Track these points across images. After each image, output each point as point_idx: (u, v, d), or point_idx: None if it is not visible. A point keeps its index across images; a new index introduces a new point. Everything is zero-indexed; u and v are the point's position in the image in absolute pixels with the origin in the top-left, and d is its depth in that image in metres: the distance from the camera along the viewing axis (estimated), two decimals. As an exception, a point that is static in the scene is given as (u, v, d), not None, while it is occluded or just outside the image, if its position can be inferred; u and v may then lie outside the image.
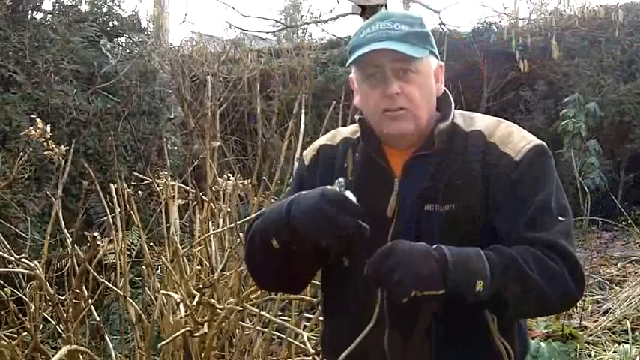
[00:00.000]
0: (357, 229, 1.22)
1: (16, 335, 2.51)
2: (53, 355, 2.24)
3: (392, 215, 1.35)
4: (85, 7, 5.49)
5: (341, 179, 1.27)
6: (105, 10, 5.57)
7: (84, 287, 2.52)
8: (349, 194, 1.24)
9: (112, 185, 2.75)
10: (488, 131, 1.39)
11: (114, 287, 2.57)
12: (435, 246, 1.23)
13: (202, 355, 2.46)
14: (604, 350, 3.60)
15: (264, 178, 2.94)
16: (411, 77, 1.34)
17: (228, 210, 2.85)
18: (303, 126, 3.03)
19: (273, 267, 1.38)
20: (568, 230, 1.34)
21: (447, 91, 1.45)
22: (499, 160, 1.34)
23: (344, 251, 1.35)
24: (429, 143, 1.37)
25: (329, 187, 1.27)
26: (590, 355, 3.54)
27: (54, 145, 2.74)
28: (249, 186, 3.02)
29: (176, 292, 2.50)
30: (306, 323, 2.63)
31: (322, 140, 1.54)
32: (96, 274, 2.56)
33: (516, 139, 1.37)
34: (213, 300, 2.38)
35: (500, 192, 1.33)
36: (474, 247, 1.26)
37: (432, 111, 1.39)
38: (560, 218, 1.33)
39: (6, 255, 2.46)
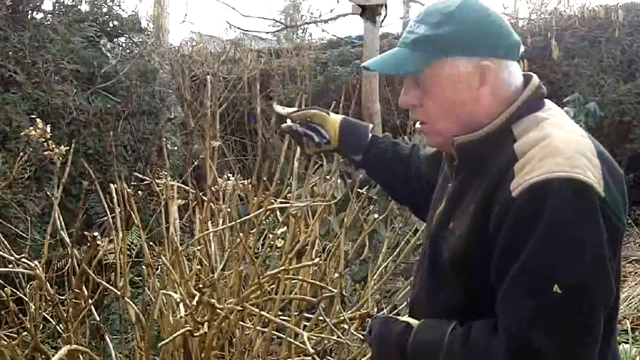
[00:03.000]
0: None
1: (16, 335, 2.51)
2: (53, 355, 2.24)
3: (434, 226, 1.32)
4: (85, 7, 5.49)
5: None
6: (105, 10, 5.57)
7: (84, 287, 2.52)
8: None
9: (112, 185, 2.75)
10: (522, 148, 1.14)
11: (113, 289, 2.57)
12: (408, 332, 1.23)
13: (202, 355, 2.46)
14: (604, 350, 3.60)
15: (264, 178, 2.94)
16: (426, 87, 1.22)
17: (228, 210, 2.85)
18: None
19: None
20: (558, 309, 1.02)
21: (530, 85, 1.22)
22: (504, 190, 1.10)
23: None
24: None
25: None
26: (590, 355, 3.53)
27: (54, 145, 2.73)
28: (249, 186, 3.02)
29: (176, 292, 2.50)
30: (306, 323, 2.62)
31: None
32: (94, 276, 2.55)
33: (536, 163, 1.09)
34: (213, 300, 2.38)
35: (495, 235, 1.11)
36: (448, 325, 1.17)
37: (475, 120, 1.21)
38: (552, 291, 1.02)
39: (6, 255, 2.46)
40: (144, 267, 2.77)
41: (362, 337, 1.47)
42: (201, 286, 2.49)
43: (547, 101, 1.25)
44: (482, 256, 1.13)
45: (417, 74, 1.22)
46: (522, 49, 1.28)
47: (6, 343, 2.37)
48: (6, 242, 2.58)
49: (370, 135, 1.65)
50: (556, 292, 1.02)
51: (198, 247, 2.84)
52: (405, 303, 1.56)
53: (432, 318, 1.25)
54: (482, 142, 1.20)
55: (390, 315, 1.37)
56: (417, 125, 1.30)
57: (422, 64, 1.21)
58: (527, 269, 1.05)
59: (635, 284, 4.51)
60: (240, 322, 2.49)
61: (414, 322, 1.26)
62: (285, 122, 1.65)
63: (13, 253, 2.48)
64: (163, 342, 2.27)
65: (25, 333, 2.49)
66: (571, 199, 1.04)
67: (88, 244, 2.43)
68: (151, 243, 3.20)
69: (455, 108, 1.22)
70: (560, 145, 1.11)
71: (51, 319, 2.66)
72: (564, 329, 1.03)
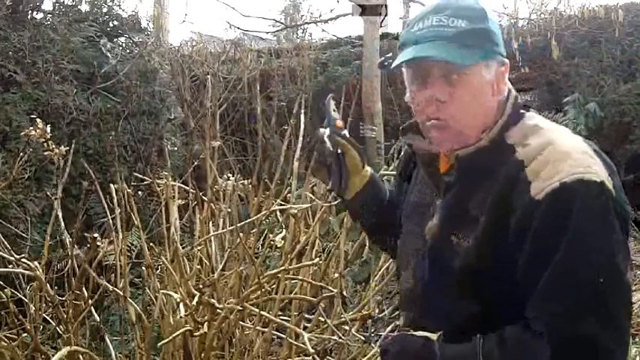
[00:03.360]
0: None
1: (16, 336, 2.50)
2: (53, 356, 2.24)
3: (427, 235, 1.29)
4: (85, 7, 5.49)
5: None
6: (105, 10, 5.57)
7: (84, 288, 2.51)
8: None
9: (112, 185, 2.74)
10: (525, 147, 1.16)
11: (114, 288, 2.57)
12: (429, 345, 1.19)
13: (202, 355, 2.46)
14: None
15: (264, 178, 2.94)
16: (463, 82, 1.18)
17: (229, 210, 2.85)
18: (303, 126, 3.03)
19: None
20: (603, 299, 1.07)
21: (511, 92, 1.24)
22: (523, 195, 1.11)
23: None
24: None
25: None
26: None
27: (54, 146, 2.73)
28: (250, 186, 3.02)
29: (176, 292, 2.50)
30: (306, 324, 2.62)
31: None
32: (95, 276, 2.55)
33: (552, 167, 1.11)
34: (213, 300, 2.38)
35: (520, 230, 1.12)
36: (474, 339, 1.15)
37: (488, 118, 1.22)
38: (595, 282, 1.07)
39: (6, 255, 2.46)
40: (144, 267, 2.77)
41: (364, 337, 1.35)
42: (201, 286, 2.49)
43: (525, 110, 1.28)
44: (498, 264, 1.15)
45: (461, 69, 1.17)
46: None
47: (6, 344, 2.37)
48: (6, 242, 2.58)
49: (384, 200, 1.52)
50: (597, 283, 1.07)
51: (199, 248, 2.84)
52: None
53: (447, 329, 1.23)
54: (484, 153, 1.20)
55: (406, 332, 1.28)
56: (429, 123, 1.23)
57: (477, 58, 1.18)
58: (561, 269, 1.08)
59: (634, 290, 4.51)
60: (240, 322, 2.49)
61: (432, 335, 1.23)
62: (324, 128, 1.44)
63: (13, 253, 2.48)
64: (163, 342, 2.27)
65: (25, 334, 2.49)
66: (594, 198, 1.09)
67: (88, 245, 2.43)
68: (151, 243, 3.20)
69: (482, 108, 1.21)
70: (567, 148, 1.15)
71: (51, 320, 2.66)
72: (612, 314, 1.09)
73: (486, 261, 1.16)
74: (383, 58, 1.42)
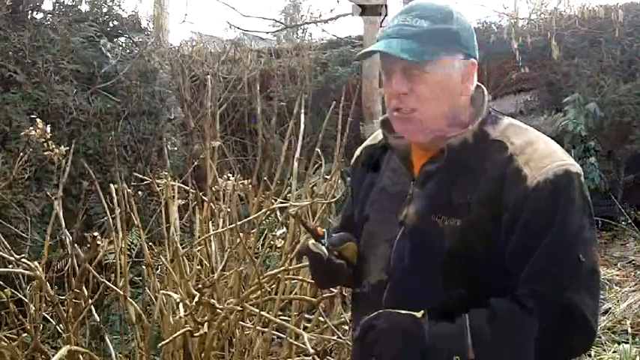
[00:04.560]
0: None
1: (16, 336, 2.51)
2: (53, 356, 2.24)
3: (402, 220, 1.32)
4: (85, 7, 5.50)
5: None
6: (105, 10, 5.57)
7: (84, 288, 2.52)
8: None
9: (112, 185, 2.74)
10: (512, 142, 1.26)
11: (114, 287, 2.57)
12: (417, 321, 1.21)
13: (202, 355, 2.46)
14: (604, 350, 3.60)
15: (264, 178, 2.94)
16: (422, 77, 1.26)
17: (229, 210, 2.84)
18: (303, 126, 3.03)
19: None
20: (587, 276, 1.21)
21: (484, 92, 1.33)
22: (517, 179, 1.21)
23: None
24: (442, 152, 1.29)
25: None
26: (590, 355, 3.54)
27: (54, 145, 2.74)
28: (249, 186, 3.02)
29: (176, 292, 2.50)
30: (307, 325, 2.63)
31: (367, 141, 1.55)
32: (96, 275, 2.55)
33: (540, 155, 1.23)
34: (213, 300, 2.38)
35: (513, 219, 1.21)
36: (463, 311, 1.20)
37: (457, 113, 1.29)
38: (580, 259, 1.20)
39: (6, 255, 2.46)
40: (144, 267, 2.77)
41: (359, 340, 1.30)
42: (201, 286, 2.49)
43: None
44: (487, 246, 1.22)
45: (420, 65, 1.25)
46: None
47: (6, 344, 2.37)
48: (6, 242, 2.58)
49: None
50: (581, 260, 1.20)
51: (199, 248, 2.84)
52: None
53: (429, 310, 1.24)
54: (470, 145, 1.28)
55: (390, 310, 1.28)
56: (393, 114, 1.31)
57: (432, 55, 1.25)
58: (553, 249, 1.20)
59: (634, 290, 4.51)
60: (240, 322, 2.49)
61: (417, 314, 1.24)
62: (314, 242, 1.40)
63: (13, 253, 2.48)
64: (163, 342, 2.28)
65: (25, 334, 2.49)
66: (579, 185, 1.23)
67: (88, 244, 2.43)
68: (151, 243, 3.20)
69: (449, 100, 1.28)
70: (548, 141, 1.28)
71: (51, 320, 2.66)
72: (592, 287, 1.23)
73: (473, 246, 1.23)
74: (357, 55, 1.45)
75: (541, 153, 1.23)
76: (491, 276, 1.22)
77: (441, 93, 1.27)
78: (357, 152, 1.55)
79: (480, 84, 1.35)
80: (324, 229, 1.43)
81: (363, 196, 1.47)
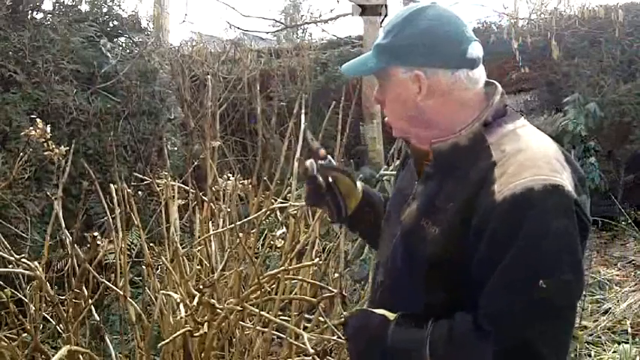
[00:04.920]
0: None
1: (16, 336, 2.51)
2: (53, 356, 2.24)
3: (402, 220, 1.35)
4: (85, 7, 5.49)
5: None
6: (105, 10, 5.57)
7: (84, 287, 2.51)
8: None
9: (112, 185, 2.74)
10: (502, 149, 1.21)
11: (114, 287, 2.57)
12: (384, 325, 1.26)
13: (202, 355, 2.46)
14: (604, 350, 3.61)
15: (264, 178, 2.94)
16: (383, 89, 1.34)
17: (229, 210, 2.84)
18: (303, 126, 3.03)
19: None
20: (547, 307, 1.11)
21: (495, 94, 1.29)
22: (486, 194, 1.16)
23: None
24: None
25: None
26: (590, 355, 3.54)
27: (54, 145, 2.73)
28: (249, 186, 3.02)
29: (176, 292, 2.50)
30: (307, 325, 2.62)
31: None
32: (96, 275, 2.55)
33: (518, 167, 1.16)
34: (213, 300, 2.38)
35: (479, 227, 1.16)
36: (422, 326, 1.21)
37: (435, 124, 1.28)
38: (540, 286, 1.09)
39: (6, 255, 2.46)
40: (144, 267, 2.77)
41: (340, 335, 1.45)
42: (201, 286, 2.49)
43: (509, 109, 1.32)
44: (462, 252, 1.19)
45: (379, 77, 1.32)
46: (480, 55, 1.30)
47: (6, 344, 2.37)
48: (6, 242, 2.58)
49: (380, 209, 1.58)
50: (542, 288, 1.10)
51: (199, 248, 2.84)
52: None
53: (410, 312, 1.27)
54: (457, 148, 1.26)
55: (367, 308, 1.36)
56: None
57: (374, 68, 1.31)
58: (514, 268, 1.12)
59: (634, 290, 4.51)
60: (240, 322, 2.49)
61: (390, 315, 1.28)
62: (311, 160, 1.49)
63: (13, 253, 2.48)
64: (163, 342, 2.27)
65: (25, 334, 2.49)
66: (552, 202, 1.13)
67: (88, 244, 2.43)
68: (151, 243, 3.20)
69: (403, 112, 1.31)
70: (537, 151, 1.20)
71: (51, 320, 2.66)
72: (552, 323, 1.12)
73: (450, 253, 1.21)
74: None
75: (520, 166, 1.16)
76: (470, 282, 1.19)
77: (397, 102, 1.31)
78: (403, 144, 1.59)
79: (497, 84, 1.32)
80: (328, 155, 1.50)
81: (391, 193, 1.54)
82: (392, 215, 1.42)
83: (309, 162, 1.48)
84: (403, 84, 1.28)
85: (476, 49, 1.28)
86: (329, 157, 1.50)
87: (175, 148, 6.00)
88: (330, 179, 1.50)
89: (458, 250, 1.20)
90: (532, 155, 1.19)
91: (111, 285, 2.57)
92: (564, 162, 1.21)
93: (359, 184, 1.57)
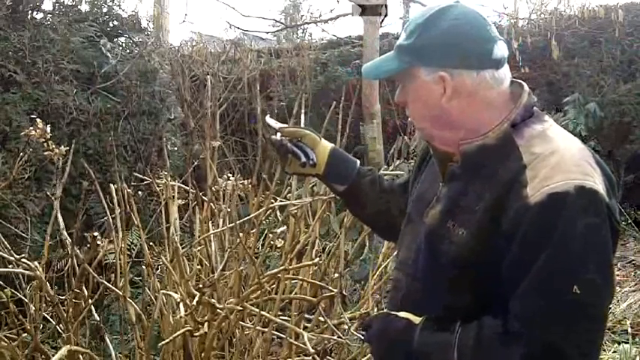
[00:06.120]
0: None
1: (16, 336, 2.51)
2: (53, 356, 2.24)
3: (427, 220, 1.32)
4: (85, 7, 5.49)
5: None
6: (105, 10, 5.57)
7: (84, 288, 2.51)
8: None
9: (112, 185, 2.74)
10: (532, 152, 1.19)
11: (114, 287, 2.57)
12: (410, 329, 1.25)
13: (202, 355, 2.46)
14: (604, 350, 3.60)
15: (264, 178, 2.94)
16: (406, 91, 1.31)
17: (228, 210, 2.85)
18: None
19: None
20: (579, 313, 1.11)
21: (522, 94, 1.28)
22: (518, 197, 1.15)
23: None
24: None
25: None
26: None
27: (54, 145, 2.73)
28: (249, 186, 3.02)
29: (176, 292, 2.50)
30: (307, 325, 2.62)
31: None
32: (95, 275, 2.55)
33: (550, 170, 1.15)
34: (213, 300, 2.38)
35: (510, 229, 1.15)
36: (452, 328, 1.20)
37: (462, 125, 1.26)
38: (573, 291, 1.09)
39: (6, 255, 2.46)
40: (144, 267, 2.77)
41: (362, 337, 1.43)
42: (201, 286, 2.49)
43: (536, 109, 1.30)
44: (490, 254, 1.18)
45: (401, 79, 1.30)
46: (505, 54, 1.29)
47: (6, 344, 2.37)
48: (6, 242, 2.58)
49: (357, 168, 1.62)
50: (575, 293, 1.10)
51: (199, 248, 2.84)
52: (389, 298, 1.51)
53: (434, 316, 1.26)
54: (485, 149, 1.24)
55: (390, 312, 1.34)
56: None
57: (396, 70, 1.30)
58: (546, 271, 1.12)
59: (634, 290, 4.51)
60: (240, 322, 2.49)
61: (415, 318, 1.27)
62: (274, 135, 1.59)
63: (13, 253, 2.48)
64: (163, 342, 2.28)
65: (25, 334, 2.49)
66: (585, 206, 1.12)
67: (88, 244, 2.43)
68: (151, 243, 3.20)
69: (427, 113, 1.30)
70: (569, 154, 1.19)
71: (51, 320, 2.66)
72: (582, 328, 1.12)
73: (478, 256, 1.20)
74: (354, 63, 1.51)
75: (552, 169, 1.15)
76: (498, 283, 1.18)
77: (420, 103, 1.30)
78: (423, 145, 1.56)
79: (522, 84, 1.31)
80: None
81: (411, 190, 1.51)
82: (414, 219, 1.40)
83: (273, 137, 1.59)
84: (427, 85, 1.26)
85: (501, 49, 1.26)
86: (283, 124, 1.63)
87: (175, 148, 6.00)
88: (294, 138, 1.57)
89: (486, 251, 1.19)
90: (564, 158, 1.17)
91: (111, 285, 2.57)
92: (594, 164, 1.20)
93: (325, 142, 1.61)
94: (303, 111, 3.08)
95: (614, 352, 3.53)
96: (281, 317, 2.44)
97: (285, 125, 1.62)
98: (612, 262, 1.17)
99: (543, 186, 1.13)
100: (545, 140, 1.21)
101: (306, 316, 2.65)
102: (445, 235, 1.25)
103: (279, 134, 1.58)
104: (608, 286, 1.15)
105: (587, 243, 1.12)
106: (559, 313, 1.11)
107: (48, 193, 3.39)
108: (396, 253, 1.50)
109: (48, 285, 2.47)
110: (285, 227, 2.80)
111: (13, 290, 2.70)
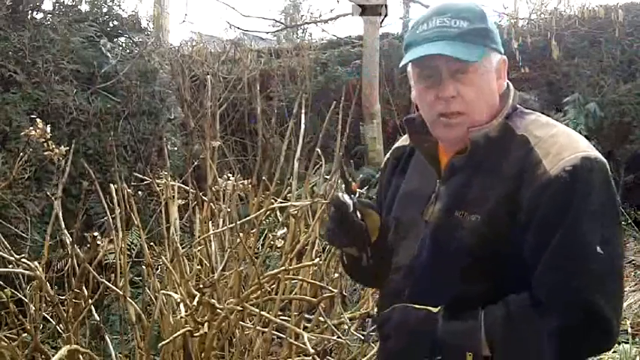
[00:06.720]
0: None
1: (16, 336, 2.51)
2: (53, 356, 2.24)
3: (428, 218, 1.32)
4: (85, 7, 5.50)
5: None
6: (105, 10, 5.57)
7: (84, 287, 2.52)
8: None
9: (112, 185, 2.75)
10: (535, 135, 1.25)
11: (114, 287, 2.57)
12: (431, 317, 1.23)
13: (202, 355, 2.46)
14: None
15: (264, 178, 2.94)
16: (469, 79, 1.26)
17: (228, 210, 2.85)
18: (303, 126, 3.04)
19: None
20: (605, 269, 1.17)
21: (510, 87, 1.34)
22: (535, 172, 1.20)
23: None
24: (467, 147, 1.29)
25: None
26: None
27: (54, 145, 2.74)
28: (249, 186, 3.02)
29: (176, 292, 2.50)
30: (307, 325, 2.62)
31: (398, 142, 1.54)
32: (95, 275, 2.55)
33: (560, 146, 1.21)
34: (213, 300, 2.38)
35: (530, 213, 1.19)
36: (477, 306, 1.21)
37: (493, 110, 1.29)
38: (597, 251, 1.15)
39: (6, 255, 2.46)
40: (144, 267, 2.77)
41: (362, 337, 1.39)
42: (201, 286, 2.49)
43: (518, 105, 1.36)
44: (506, 240, 1.21)
45: (468, 65, 1.25)
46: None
47: (6, 344, 2.37)
48: (6, 242, 2.58)
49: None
50: (599, 253, 1.16)
51: (199, 248, 2.84)
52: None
53: (449, 306, 1.26)
54: (489, 139, 1.28)
55: (407, 304, 1.30)
56: (439, 119, 1.29)
57: (480, 54, 1.26)
58: (571, 236, 1.17)
59: (634, 290, 4.51)
60: (240, 322, 2.49)
61: (433, 309, 1.26)
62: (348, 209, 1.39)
63: (13, 253, 2.48)
64: (164, 342, 2.28)
65: (25, 334, 2.49)
66: (601, 173, 1.20)
67: (88, 244, 2.43)
68: (151, 243, 3.20)
69: (490, 98, 1.29)
70: (569, 131, 1.27)
71: (51, 320, 2.66)
72: (611, 282, 1.19)
73: (493, 241, 1.22)
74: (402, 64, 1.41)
75: (561, 145, 1.21)
76: (512, 271, 1.21)
77: (482, 94, 1.27)
78: (388, 154, 1.54)
79: (508, 81, 1.36)
80: (358, 188, 1.45)
81: (389, 200, 1.46)
82: (405, 221, 1.38)
83: (346, 197, 1.39)
84: (489, 70, 1.28)
85: None
86: (359, 190, 1.47)
87: (175, 148, 6.00)
88: (360, 214, 1.41)
89: (501, 239, 1.21)
90: (570, 134, 1.25)
91: (111, 285, 2.57)
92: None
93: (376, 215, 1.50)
94: (303, 111, 3.07)
95: (614, 352, 3.53)
96: (281, 317, 2.44)
97: (356, 187, 1.49)
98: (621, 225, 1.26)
99: (562, 158, 1.19)
100: (542, 125, 1.28)
101: (306, 316, 2.65)
102: (455, 225, 1.26)
103: (346, 196, 1.40)
104: (621, 242, 1.24)
105: (603, 211, 1.18)
106: (589, 271, 1.16)
107: (48, 193, 3.39)
108: (394, 262, 1.42)
109: (48, 285, 2.47)
110: (285, 229, 2.80)
111: (13, 290, 2.70)
